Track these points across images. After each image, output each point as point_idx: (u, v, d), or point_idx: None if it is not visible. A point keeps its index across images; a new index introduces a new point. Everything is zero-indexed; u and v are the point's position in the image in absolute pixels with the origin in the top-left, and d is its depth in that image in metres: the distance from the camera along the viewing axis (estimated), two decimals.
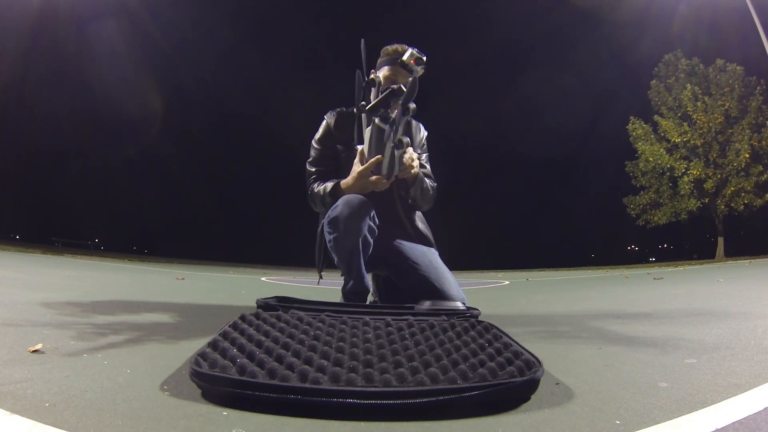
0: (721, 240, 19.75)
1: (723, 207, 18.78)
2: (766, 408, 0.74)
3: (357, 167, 1.72)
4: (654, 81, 20.24)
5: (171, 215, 57.26)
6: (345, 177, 1.84)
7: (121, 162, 50.73)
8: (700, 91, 18.65)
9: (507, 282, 7.14)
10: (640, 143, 19.76)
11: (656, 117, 19.70)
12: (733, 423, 0.69)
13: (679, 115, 19.27)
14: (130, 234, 54.24)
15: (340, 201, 1.78)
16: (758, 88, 17.92)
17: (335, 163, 1.97)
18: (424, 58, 1.80)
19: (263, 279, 6.90)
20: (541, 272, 14.79)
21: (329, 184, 1.85)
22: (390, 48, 1.97)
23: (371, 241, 1.78)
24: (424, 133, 2.16)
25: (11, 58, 32.99)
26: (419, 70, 1.80)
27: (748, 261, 12.08)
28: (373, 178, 1.69)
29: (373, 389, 0.78)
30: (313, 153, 2.00)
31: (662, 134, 19.39)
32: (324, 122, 2.01)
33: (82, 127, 47.10)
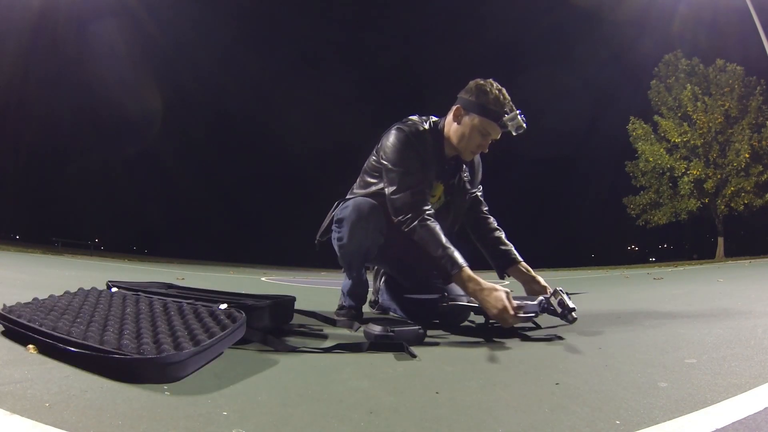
0: (721, 240, 19.75)
1: (723, 207, 18.77)
2: (766, 408, 0.74)
3: (502, 296, 1.51)
4: (654, 81, 20.22)
5: (171, 215, 57.32)
6: None
7: (121, 162, 50.81)
8: (700, 91, 18.63)
9: (507, 282, 7.12)
10: (640, 143, 19.74)
11: (656, 117, 19.68)
12: (733, 423, 0.69)
13: (679, 115, 19.25)
14: (130, 234, 54.30)
15: (351, 203, 1.77)
16: (758, 88, 17.90)
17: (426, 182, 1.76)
18: (525, 127, 1.68)
19: (263, 279, 6.90)
20: (541, 272, 14.74)
21: (454, 254, 1.60)
22: (491, 94, 1.71)
23: (374, 249, 1.79)
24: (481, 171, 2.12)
25: (11, 58, 33.01)
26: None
27: (748, 261, 12.07)
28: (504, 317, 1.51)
29: (74, 339, 0.98)
30: (402, 161, 1.72)
31: (662, 134, 19.37)
32: (401, 132, 1.77)
33: (82, 127, 47.22)
